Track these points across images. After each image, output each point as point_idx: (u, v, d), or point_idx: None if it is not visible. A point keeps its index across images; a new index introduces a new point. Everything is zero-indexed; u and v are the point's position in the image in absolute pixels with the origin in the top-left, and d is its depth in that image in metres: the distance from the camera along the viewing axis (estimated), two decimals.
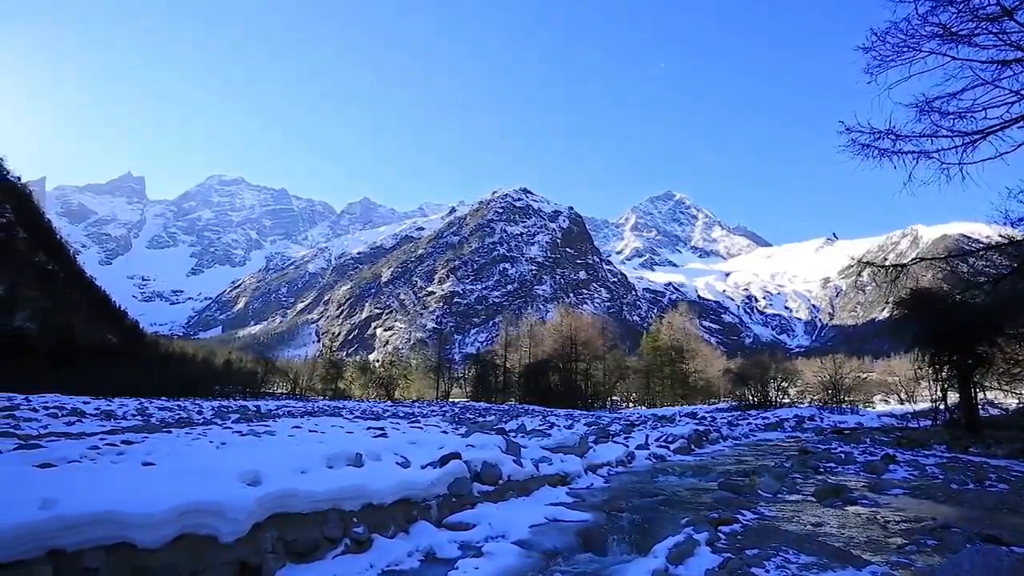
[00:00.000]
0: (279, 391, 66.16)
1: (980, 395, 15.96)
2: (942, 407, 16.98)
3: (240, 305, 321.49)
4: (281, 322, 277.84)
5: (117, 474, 3.71)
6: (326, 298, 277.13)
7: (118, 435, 8.25)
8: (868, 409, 30.92)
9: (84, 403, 21.86)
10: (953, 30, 6.47)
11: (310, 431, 9.23)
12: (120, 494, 3.13)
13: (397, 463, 5.52)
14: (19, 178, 62.47)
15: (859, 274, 9.95)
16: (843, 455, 10.75)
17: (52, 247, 60.25)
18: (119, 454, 5.28)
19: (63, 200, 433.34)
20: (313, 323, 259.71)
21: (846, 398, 32.10)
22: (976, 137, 6.86)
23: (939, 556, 4.00)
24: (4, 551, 2.54)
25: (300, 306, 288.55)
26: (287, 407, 28.14)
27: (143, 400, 28.06)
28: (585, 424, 18.30)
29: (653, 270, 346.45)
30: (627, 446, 10.86)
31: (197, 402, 30.03)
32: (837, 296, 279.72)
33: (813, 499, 6.40)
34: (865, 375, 37.34)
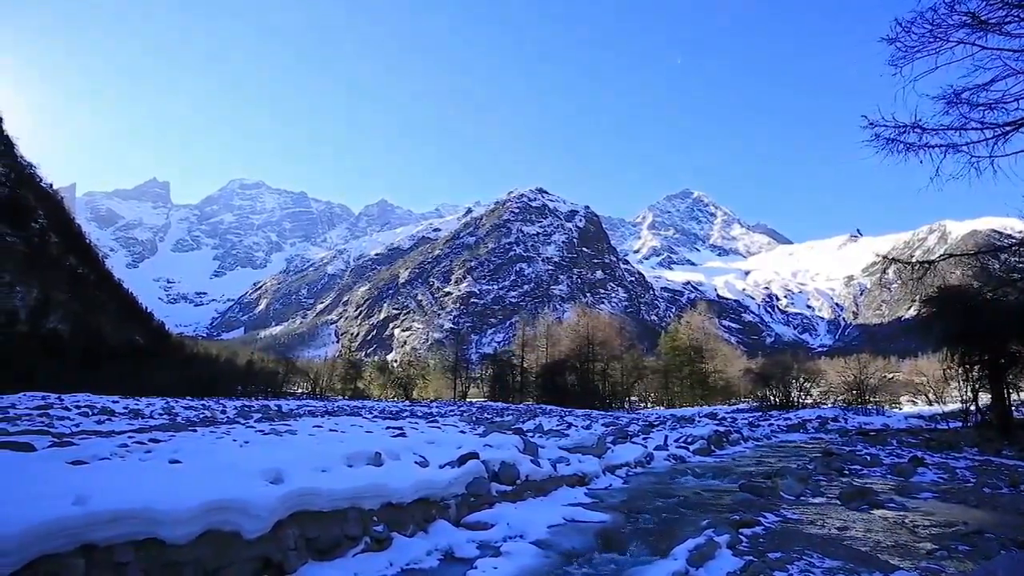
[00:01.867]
0: (300, 391, 67.13)
1: (1013, 395, 15.46)
2: (973, 408, 16.51)
3: (262, 306, 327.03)
4: (301, 323, 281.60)
5: (146, 472, 3.81)
6: (345, 299, 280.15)
7: (146, 433, 8.47)
8: (895, 410, 30.17)
9: (113, 402, 22.49)
10: (982, 18, 6.26)
11: (330, 430, 9.35)
12: (149, 491, 3.21)
13: (416, 462, 5.57)
14: (51, 185, 64.52)
15: (884, 271, 9.74)
16: (869, 457, 10.52)
17: (82, 251, 62.06)
18: (147, 452, 5.42)
19: (92, 206, 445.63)
20: (332, 324, 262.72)
21: (871, 399, 31.35)
22: (1008, 129, 6.64)
23: (971, 562, 3.89)
24: (40, 545, 2.62)
25: (320, 307, 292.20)
26: (308, 407, 28.55)
27: (169, 399, 28.74)
28: (603, 424, 18.22)
29: (671, 269, 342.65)
30: (646, 447, 10.78)
31: (221, 402, 30.64)
32: (861, 294, 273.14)
33: (838, 502, 6.28)
34: (891, 375, 36.39)
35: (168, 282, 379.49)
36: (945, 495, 6.73)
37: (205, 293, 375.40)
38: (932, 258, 8.71)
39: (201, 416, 16.88)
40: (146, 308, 73.40)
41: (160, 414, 17.42)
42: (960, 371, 16.08)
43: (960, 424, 17.32)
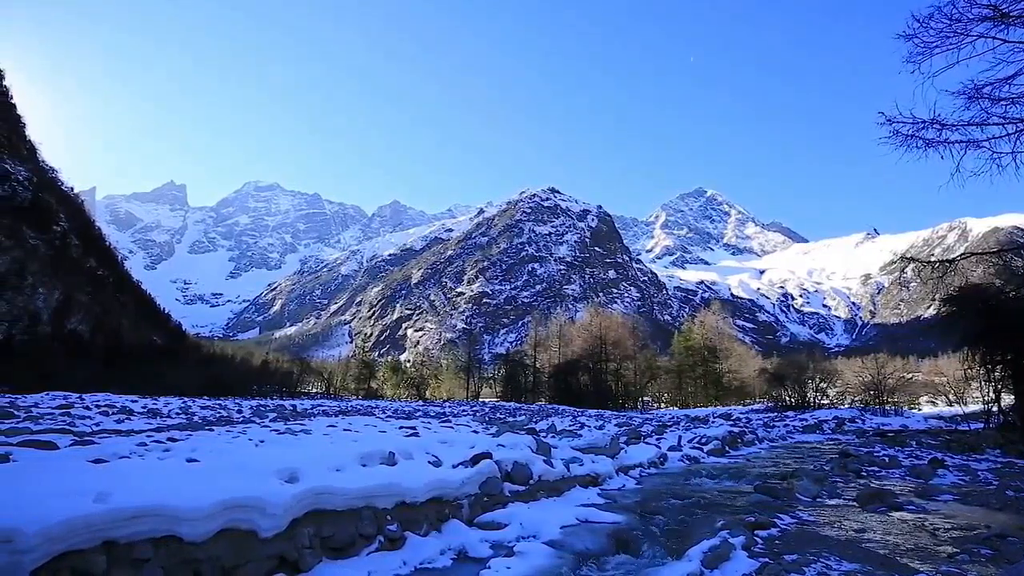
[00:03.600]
0: (314, 391, 67.80)
1: None
2: (995, 409, 16.13)
3: (276, 307, 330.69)
4: (315, 323, 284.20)
5: (164, 470, 3.87)
6: (358, 299, 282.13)
7: (164, 433, 8.60)
8: (914, 411, 29.62)
9: (132, 402, 22.87)
10: (1004, 11, 6.13)
11: (344, 430, 9.41)
12: (167, 489, 3.26)
13: (429, 462, 5.59)
14: (72, 189, 65.96)
15: (902, 270, 9.57)
16: (887, 459, 10.35)
17: (102, 253, 63.22)
18: (165, 451, 5.50)
19: (111, 209, 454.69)
20: (346, 324, 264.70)
21: (889, 399, 30.78)
22: None
23: (994, 567, 3.81)
24: (63, 541, 2.68)
25: (333, 307, 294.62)
26: (322, 406, 28.78)
27: (186, 399, 29.16)
28: (616, 425, 18.13)
29: (684, 268, 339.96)
30: (659, 447, 10.71)
31: (236, 401, 30.99)
32: (879, 293, 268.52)
33: (855, 504, 6.18)
34: (910, 375, 35.68)
35: (185, 283, 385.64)
36: (966, 498, 6.59)
37: (221, 294, 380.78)
38: (952, 256, 8.54)
39: (217, 415, 17.09)
40: (164, 309, 74.65)
41: (177, 413, 17.67)
42: (981, 371, 15.74)
43: (982, 425, 16.95)
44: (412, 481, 4.62)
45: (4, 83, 57.53)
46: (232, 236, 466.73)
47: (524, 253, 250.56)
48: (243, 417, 16.23)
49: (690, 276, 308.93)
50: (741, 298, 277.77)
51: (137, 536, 2.95)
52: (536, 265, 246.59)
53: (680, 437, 13.15)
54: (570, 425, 16.77)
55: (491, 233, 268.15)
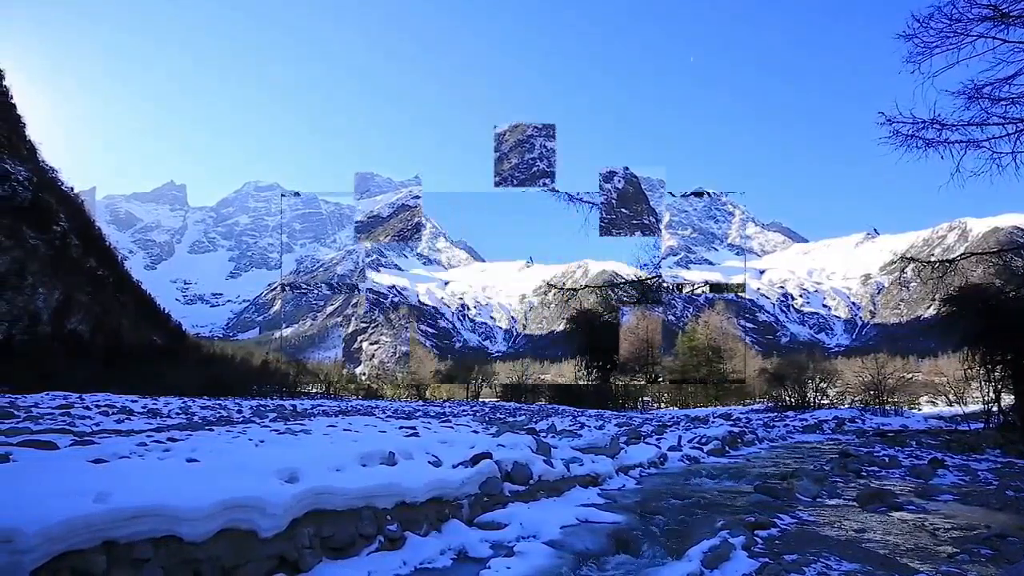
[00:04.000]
0: (314, 391, 67.73)
1: None
2: (995, 409, 16.15)
3: (276, 307, 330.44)
4: (312, 324, 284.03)
5: (164, 470, 3.87)
6: (354, 301, 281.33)
7: (164, 433, 8.59)
8: (913, 411, 29.62)
9: (132, 402, 22.84)
10: (1004, 11, 6.14)
11: (344, 430, 9.41)
12: (168, 489, 3.26)
13: (429, 462, 5.59)
14: (72, 189, 65.93)
15: (902, 270, 9.59)
16: (887, 458, 10.36)
17: (102, 253, 63.15)
18: (165, 451, 5.50)
19: (112, 208, 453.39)
20: (341, 326, 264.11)
21: (889, 399, 30.78)
22: None
23: (994, 567, 3.81)
24: (63, 541, 2.68)
25: (330, 309, 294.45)
26: (322, 406, 28.75)
27: (186, 399, 29.13)
28: (616, 425, 18.13)
29: (688, 269, 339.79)
30: (659, 447, 10.72)
31: (236, 401, 30.95)
32: (879, 293, 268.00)
33: (855, 504, 6.19)
34: (910, 375, 35.70)
35: (185, 283, 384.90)
36: (966, 498, 6.60)
37: (221, 294, 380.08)
38: (952, 256, 8.56)
39: (217, 416, 17.07)
40: (164, 309, 74.66)
41: (177, 413, 17.66)
42: (982, 371, 15.77)
43: (982, 425, 16.95)
44: (412, 481, 4.62)
45: (4, 83, 57.54)
46: (232, 236, 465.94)
47: (536, 169, 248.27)
48: (243, 417, 16.22)
49: (694, 276, 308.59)
50: (742, 298, 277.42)
51: (137, 536, 2.94)
52: (547, 180, 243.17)
53: (680, 437, 13.15)
54: (570, 425, 16.76)
55: (503, 148, 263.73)
